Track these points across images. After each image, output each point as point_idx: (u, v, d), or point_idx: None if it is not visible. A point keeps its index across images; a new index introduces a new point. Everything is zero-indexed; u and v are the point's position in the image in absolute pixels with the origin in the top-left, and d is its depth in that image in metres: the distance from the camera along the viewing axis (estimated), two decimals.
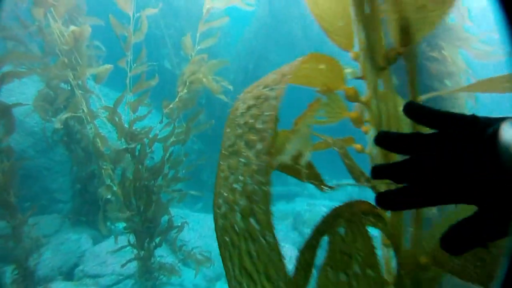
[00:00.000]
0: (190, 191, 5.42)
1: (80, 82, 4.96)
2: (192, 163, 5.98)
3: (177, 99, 4.80)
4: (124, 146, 4.78)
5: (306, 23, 14.63)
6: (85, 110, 4.91)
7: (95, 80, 4.99)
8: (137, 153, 4.77)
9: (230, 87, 4.81)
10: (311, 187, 12.89)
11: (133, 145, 4.74)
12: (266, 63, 14.63)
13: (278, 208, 10.48)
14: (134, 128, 4.81)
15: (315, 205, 9.92)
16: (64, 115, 4.81)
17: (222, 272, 7.60)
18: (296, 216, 9.27)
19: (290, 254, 7.66)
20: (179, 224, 5.09)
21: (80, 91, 4.85)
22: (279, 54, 15.37)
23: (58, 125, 4.79)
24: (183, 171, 5.25)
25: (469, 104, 4.14)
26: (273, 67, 1.10)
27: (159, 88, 5.05)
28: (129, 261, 4.79)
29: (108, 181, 4.71)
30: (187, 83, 4.71)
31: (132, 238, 4.82)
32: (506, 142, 0.56)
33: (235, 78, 12.16)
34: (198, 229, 7.37)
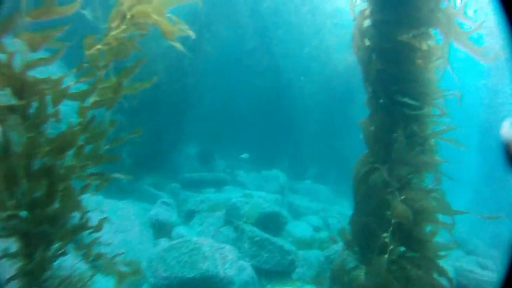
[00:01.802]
0: (113, 175, 3.84)
1: None
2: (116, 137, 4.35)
3: (106, 39, 3.18)
4: (10, 102, 3.02)
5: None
6: None
7: None
8: (31, 114, 3.06)
9: (191, 33, 3.36)
10: (241, 174, 11.83)
11: (25, 101, 3.01)
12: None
13: (208, 197, 9.17)
14: (29, 74, 3.07)
15: (252, 197, 8.90)
16: None
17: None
18: (231, 208, 8.10)
19: (231, 256, 6.53)
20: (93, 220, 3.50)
21: None
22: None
23: None
24: (106, 147, 3.65)
25: None
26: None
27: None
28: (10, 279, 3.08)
29: None
30: (127, 17, 3.12)
31: (15, 244, 3.11)
32: None
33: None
34: (114, 221, 5.72)
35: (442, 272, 4.66)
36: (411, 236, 4.97)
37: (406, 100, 5.16)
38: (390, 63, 5.28)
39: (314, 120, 17.56)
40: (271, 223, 8.06)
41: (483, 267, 9.48)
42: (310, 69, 17.07)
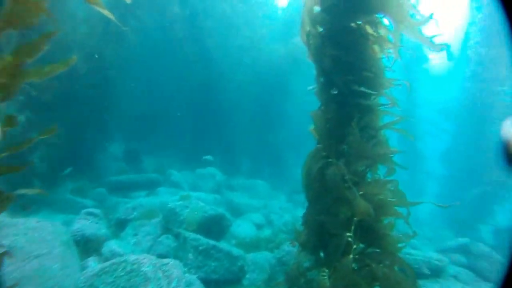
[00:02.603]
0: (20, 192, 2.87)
1: None
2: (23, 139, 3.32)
3: None
4: None
5: None
6: None
7: None
8: None
9: (113, 17, 2.52)
10: (174, 174, 10.89)
11: None
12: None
13: (140, 202, 8.14)
14: None
15: (190, 199, 8.10)
16: None
17: None
18: (169, 214, 7.24)
19: (176, 273, 5.70)
20: None
21: None
22: None
23: None
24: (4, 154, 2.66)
25: None
26: None
27: None
28: None
29: None
30: None
31: None
32: None
33: None
34: (24, 246, 4.50)
35: (403, 265, 4.54)
36: (373, 232, 4.77)
37: (363, 89, 4.92)
38: (344, 50, 4.99)
39: (246, 113, 17.11)
40: (214, 226, 7.42)
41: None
42: (242, 60, 16.56)
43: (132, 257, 4.57)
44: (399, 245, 4.83)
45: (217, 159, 16.95)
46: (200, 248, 6.04)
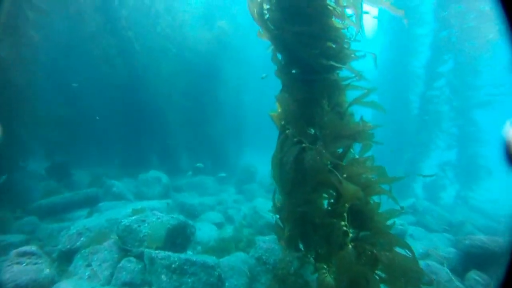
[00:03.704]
0: None
1: None
2: None
3: None
4: None
5: None
6: None
7: None
8: None
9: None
10: (116, 185, 9.68)
11: None
12: None
13: (84, 225, 6.94)
14: None
15: (144, 211, 7.14)
16: None
17: None
18: (124, 233, 6.25)
19: None
20: None
21: None
22: None
23: None
24: None
25: None
26: None
27: None
28: None
29: None
30: None
31: None
32: None
33: None
34: None
35: (402, 245, 4.38)
36: (362, 215, 4.51)
37: (332, 63, 4.53)
38: (307, 23, 4.52)
39: (178, 106, 16.02)
40: (178, 237, 6.64)
41: None
42: (166, 51, 15.32)
43: None
44: (389, 223, 4.68)
45: (155, 159, 15.73)
46: (173, 266, 5.28)
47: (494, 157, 17.13)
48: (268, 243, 6.30)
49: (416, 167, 17.53)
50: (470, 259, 7.49)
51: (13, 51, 10.18)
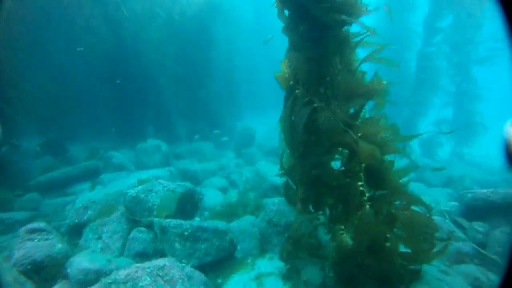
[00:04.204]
0: None
1: None
2: None
3: None
4: None
5: None
6: None
7: None
8: None
9: None
10: (116, 156, 9.51)
11: None
12: None
13: (89, 198, 6.82)
14: None
15: (149, 181, 7.02)
16: None
17: None
18: (131, 203, 6.16)
19: (178, 274, 4.82)
20: None
21: None
22: None
23: None
24: None
25: None
26: None
27: None
28: None
29: None
30: None
31: None
32: None
33: None
34: None
35: (418, 202, 4.38)
36: (378, 174, 4.45)
37: (345, 17, 4.27)
38: None
39: (171, 72, 15.50)
40: (187, 204, 6.60)
41: None
42: (155, 16, 14.59)
43: (121, 274, 3.65)
44: (403, 179, 4.65)
45: (150, 128, 15.44)
46: (186, 234, 5.26)
47: (490, 113, 17.24)
48: (277, 205, 6.29)
49: (413, 126, 17.59)
50: (473, 212, 7.64)
51: None
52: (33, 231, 5.26)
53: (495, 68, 17.10)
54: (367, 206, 4.21)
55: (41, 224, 5.43)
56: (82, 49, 12.36)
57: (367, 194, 4.29)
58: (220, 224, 5.85)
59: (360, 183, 4.26)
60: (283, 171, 6.05)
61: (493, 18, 15.99)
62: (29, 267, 4.64)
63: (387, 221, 4.13)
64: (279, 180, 8.73)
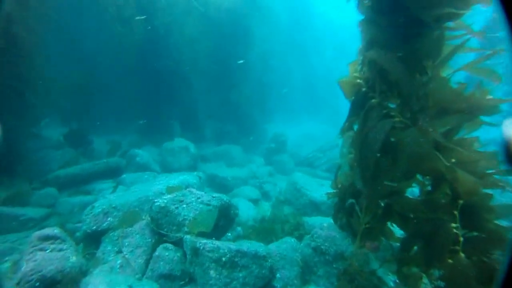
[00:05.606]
0: None
1: None
2: None
3: None
4: None
5: None
6: None
7: None
8: None
9: None
10: (140, 154, 8.79)
11: None
12: None
13: (111, 202, 6.10)
14: None
15: (180, 188, 6.23)
16: None
17: None
18: (158, 215, 5.38)
19: None
20: None
21: None
22: None
23: None
24: None
25: None
26: None
27: None
28: None
29: None
30: None
31: None
32: None
33: None
34: None
35: None
36: (477, 214, 3.52)
37: (452, 9, 3.36)
38: None
39: (203, 70, 14.77)
40: (221, 219, 5.77)
41: None
42: (190, 10, 13.92)
43: None
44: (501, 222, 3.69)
45: (177, 126, 14.76)
46: (223, 259, 4.42)
47: None
48: (326, 230, 5.37)
49: None
50: None
51: (19, 4, 9.01)
52: (46, 238, 4.53)
53: None
54: (462, 254, 3.26)
55: (55, 231, 4.69)
56: (144, 17, 11.68)
57: (461, 239, 3.34)
58: (260, 248, 4.98)
59: (454, 225, 3.32)
60: (336, 191, 5.18)
61: None
62: (37, 284, 3.90)
63: (482, 274, 3.17)
64: (320, 197, 7.86)
